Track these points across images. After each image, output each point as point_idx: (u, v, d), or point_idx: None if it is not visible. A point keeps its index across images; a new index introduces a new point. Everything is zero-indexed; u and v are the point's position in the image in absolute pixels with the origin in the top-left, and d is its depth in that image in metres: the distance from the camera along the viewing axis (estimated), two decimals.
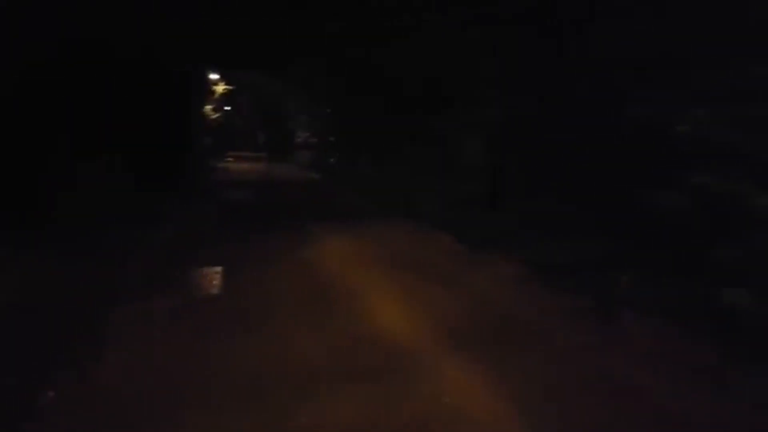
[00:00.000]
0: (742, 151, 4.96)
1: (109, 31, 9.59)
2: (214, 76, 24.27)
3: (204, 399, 3.41)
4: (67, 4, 7.97)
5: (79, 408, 3.22)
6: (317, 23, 12.40)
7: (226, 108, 30.34)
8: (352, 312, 5.08)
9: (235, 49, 16.34)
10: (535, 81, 8.03)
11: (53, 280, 4.85)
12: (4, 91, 6.48)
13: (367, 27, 11.61)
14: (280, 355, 4.04)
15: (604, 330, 4.70)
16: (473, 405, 3.42)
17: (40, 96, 7.11)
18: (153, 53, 12.16)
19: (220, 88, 26.20)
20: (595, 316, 5.03)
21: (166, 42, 12.50)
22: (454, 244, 8.10)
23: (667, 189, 5.68)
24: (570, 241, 7.06)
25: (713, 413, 3.38)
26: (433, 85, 10.27)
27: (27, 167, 7.01)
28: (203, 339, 4.35)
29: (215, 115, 27.08)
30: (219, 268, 6.65)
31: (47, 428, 3.01)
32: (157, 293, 5.50)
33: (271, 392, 3.50)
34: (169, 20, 11.92)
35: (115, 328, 4.47)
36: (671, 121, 5.69)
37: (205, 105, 23.83)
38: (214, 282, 6.19)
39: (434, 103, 10.22)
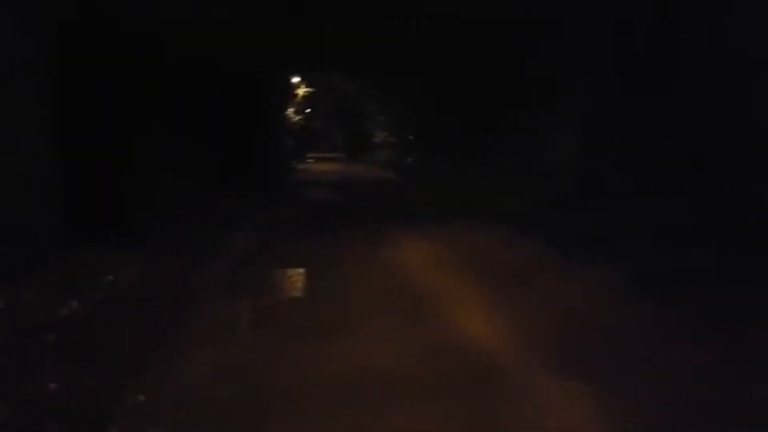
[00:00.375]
0: None
1: (199, 39, 9.93)
2: (295, 79, 24.80)
3: (288, 408, 3.29)
4: (170, 21, 8.30)
5: (162, 411, 3.19)
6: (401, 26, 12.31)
7: (306, 110, 31.03)
8: (436, 320, 4.83)
9: (316, 51, 16.64)
10: (640, 72, 7.41)
11: (138, 281, 4.97)
12: (94, 91, 6.72)
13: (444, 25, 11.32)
14: (363, 364, 3.86)
15: (720, 349, 4.14)
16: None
17: (130, 98, 7.38)
18: (239, 58, 12.52)
19: (302, 90, 26.81)
20: (708, 331, 4.47)
21: (250, 45, 12.82)
22: (543, 249, 7.62)
23: None
24: (675, 247, 6.42)
25: None
26: (517, 75, 9.78)
27: (115, 167, 7.24)
28: (286, 344, 4.26)
29: (296, 118, 27.76)
30: (301, 270, 6.62)
31: (130, 431, 2.99)
32: (239, 294, 5.52)
33: (353, 405, 3.32)
34: (252, 21, 12.24)
35: (199, 330, 4.48)
36: None
37: (288, 108, 24.45)
38: (296, 284, 6.15)
39: (519, 96, 9.73)
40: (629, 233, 7.23)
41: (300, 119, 28.74)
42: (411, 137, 20.14)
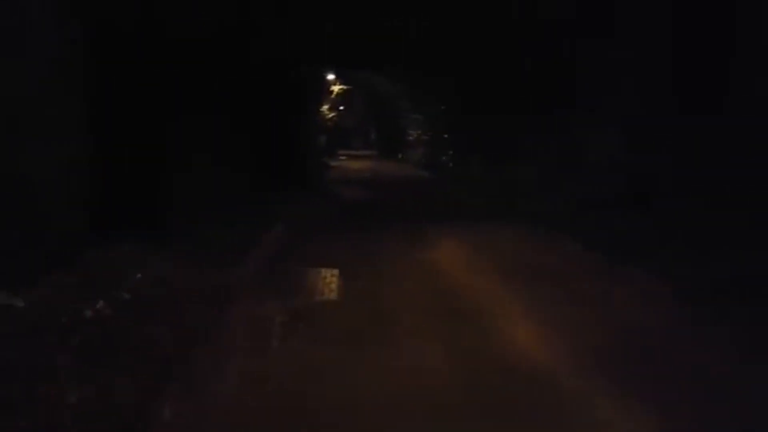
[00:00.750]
0: None
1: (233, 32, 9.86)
2: (330, 77, 24.72)
3: (320, 424, 3.09)
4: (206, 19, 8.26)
5: (192, 425, 3.03)
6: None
7: (340, 108, 30.97)
8: (479, 330, 4.57)
9: (352, 49, 16.53)
10: (694, 69, 6.97)
11: (168, 281, 4.85)
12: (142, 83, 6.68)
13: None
14: (403, 379, 3.63)
15: None
16: None
17: (165, 95, 7.32)
18: (277, 54, 12.44)
19: (336, 88, 26.70)
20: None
21: (288, 42, 12.75)
22: (587, 254, 7.25)
23: None
24: (734, 254, 5.98)
25: None
26: (556, 71, 9.38)
27: (149, 163, 7.16)
28: (320, 351, 4.06)
29: (331, 115, 27.71)
30: (335, 271, 6.44)
31: None
32: (271, 295, 5.36)
33: (395, 426, 3.09)
34: (290, 20, 12.16)
35: (230, 333, 4.32)
36: None
37: (322, 105, 24.40)
38: (331, 285, 5.97)
39: (559, 94, 9.32)
40: (679, 238, 6.81)
41: (334, 116, 28.67)
42: (445, 135, 19.79)
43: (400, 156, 29.07)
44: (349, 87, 27.85)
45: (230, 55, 9.80)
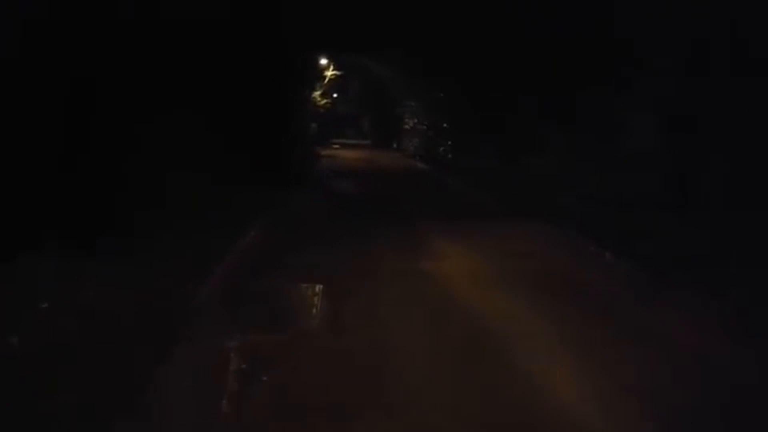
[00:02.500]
0: None
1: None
2: (323, 61, 23.36)
3: None
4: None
5: None
6: None
7: (334, 95, 29.57)
8: (501, 370, 3.44)
9: (345, 32, 15.26)
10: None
11: (96, 311, 3.64)
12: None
13: None
14: None
15: None
16: None
17: (129, 83, 6.11)
18: (262, 35, 11.15)
19: (329, 73, 25.33)
20: None
21: (274, 22, 11.45)
22: (623, 264, 6.09)
23: None
24: None
25: None
26: (584, 48, 8.08)
27: (112, 162, 6.00)
28: (296, 421, 2.86)
29: (323, 101, 26.32)
30: (318, 287, 5.23)
31: None
32: (234, 327, 4.13)
33: None
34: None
35: (162, 402, 3.06)
36: None
37: (314, 91, 23.02)
38: (311, 309, 4.76)
39: (584, 74, 8.04)
40: (731, 249, 5.63)
41: (326, 103, 27.25)
42: (444, 125, 18.49)
43: (394, 145, 27.84)
44: (342, 73, 26.47)
45: (206, 40, 8.55)
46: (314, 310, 4.72)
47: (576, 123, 8.39)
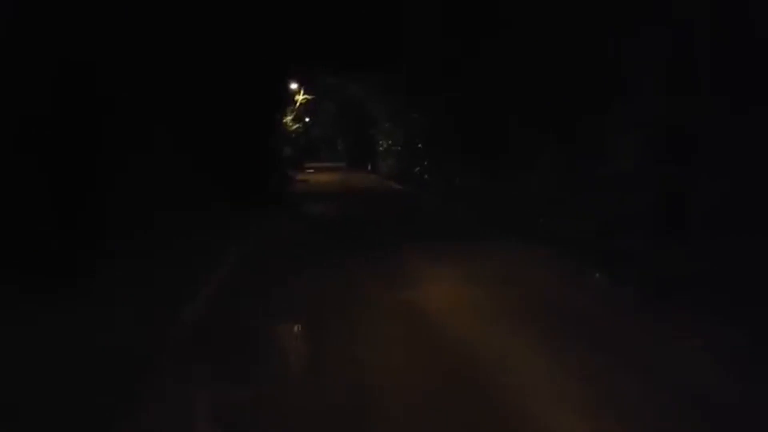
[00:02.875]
0: None
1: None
2: (293, 86, 23.13)
3: None
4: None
5: None
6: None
7: (306, 119, 29.25)
8: (509, 422, 3.03)
9: (316, 52, 15.03)
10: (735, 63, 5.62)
11: (69, 351, 3.18)
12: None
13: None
14: None
15: None
16: None
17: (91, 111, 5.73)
18: (233, 60, 10.81)
19: (300, 97, 25.08)
20: None
21: (245, 47, 11.13)
22: (615, 289, 5.81)
23: None
24: None
25: None
26: (562, 71, 7.93)
27: (67, 195, 5.59)
28: None
29: (295, 126, 25.96)
30: (295, 327, 4.81)
31: None
32: (198, 376, 3.68)
33: None
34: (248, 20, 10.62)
35: None
36: None
37: (285, 115, 22.68)
38: (288, 353, 4.33)
39: (567, 91, 7.85)
40: (731, 275, 5.38)
41: (299, 127, 26.90)
42: (420, 145, 18.26)
43: (369, 167, 27.63)
44: (314, 96, 26.24)
45: (178, 61, 8.20)
46: (290, 356, 4.28)
47: (562, 143, 8.20)
